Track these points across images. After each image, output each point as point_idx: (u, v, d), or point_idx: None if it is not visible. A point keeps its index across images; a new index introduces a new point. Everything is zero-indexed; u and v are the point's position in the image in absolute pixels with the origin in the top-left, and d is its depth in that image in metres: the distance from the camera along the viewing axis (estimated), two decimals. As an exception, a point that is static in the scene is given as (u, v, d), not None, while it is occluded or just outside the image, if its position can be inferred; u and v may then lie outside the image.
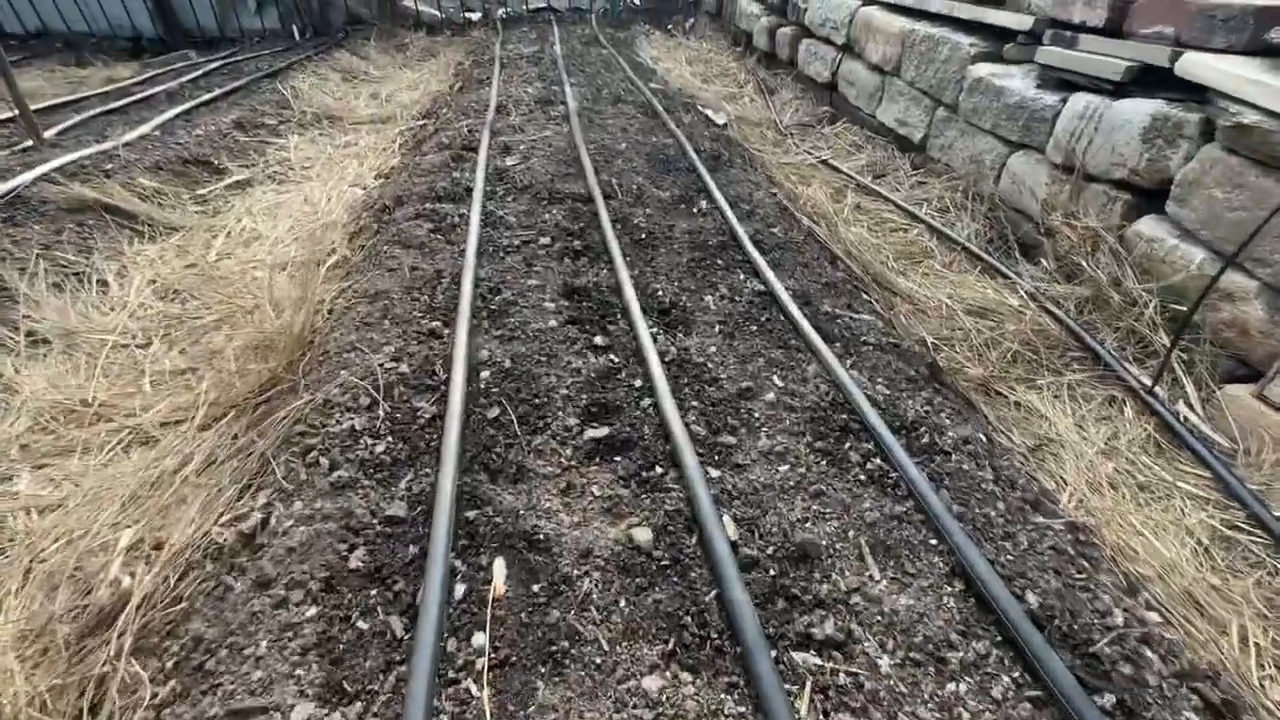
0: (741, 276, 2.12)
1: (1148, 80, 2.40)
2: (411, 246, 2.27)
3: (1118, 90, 2.46)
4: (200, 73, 4.93)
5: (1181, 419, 2.05)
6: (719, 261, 2.20)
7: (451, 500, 1.22)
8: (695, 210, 2.57)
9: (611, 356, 1.66)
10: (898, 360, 1.80)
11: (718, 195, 2.64)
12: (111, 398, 1.83)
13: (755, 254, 2.22)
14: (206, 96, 4.27)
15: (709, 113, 4.32)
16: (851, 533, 1.21)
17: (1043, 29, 2.80)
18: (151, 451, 1.66)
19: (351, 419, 1.45)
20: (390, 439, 1.39)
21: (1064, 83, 2.69)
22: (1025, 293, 2.54)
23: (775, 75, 5.38)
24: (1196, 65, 2.09)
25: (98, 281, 2.34)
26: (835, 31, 4.33)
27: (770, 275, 2.08)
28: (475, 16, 7.34)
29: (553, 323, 1.81)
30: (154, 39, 6.81)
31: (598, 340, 1.73)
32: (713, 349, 1.72)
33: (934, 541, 1.20)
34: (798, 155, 4.02)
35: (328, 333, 1.83)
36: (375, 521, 1.20)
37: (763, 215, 2.58)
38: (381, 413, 1.46)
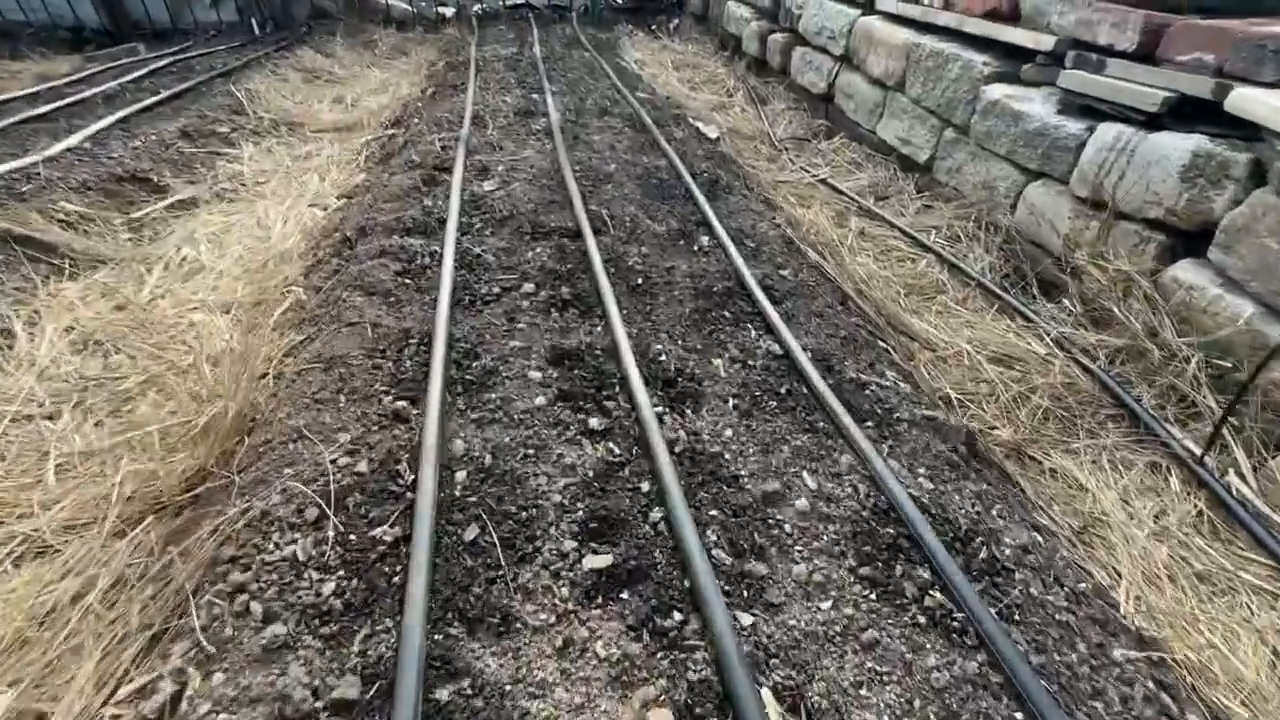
0: (754, 334, 1.88)
1: (1184, 112, 2.22)
2: (376, 293, 1.98)
3: (1151, 121, 2.27)
4: (146, 71, 4.51)
5: (1234, 492, 1.87)
6: (726, 314, 1.96)
7: (418, 672, 0.95)
8: (696, 247, 2.32)
9: (611, 446, 1.41)
10: (935, 439, 1.58)
11: (719, 229, 2.39)
12: (5, 491, 1.52)
13: (766, 304, 1.98)
14: (150, 100, 3.88)
15: (700, 125, 4.07)
16: (918, 702, 0.98)
17: (1064, 50, 2.60)
18: (48, 568, 1.36)
19: (293, 543, 1.17)
20: (341, 574, 1.12)
21: (1089, 110, 2.50)
22: (1052, 339, 2.35)
23: (766, 83, 5.15)
24: (1251, 102, 1.90)
25: (1, 332, 2.00)
26: (832, 41, 4.11)
27: (786, 332, 1.84)
28: (449, 13, 6.96)
29: (540, 399, 1.55)
30: (99, 30, 6.31)
31: (594, 423, 1.47)
32: (729, 432, 1.48)
33: (1019, 717, 0.97)
34: (795, 173, 3.79)
35: (272, 411, 1.54)
36: (319, 707, 0.93)
37: (769, 254, 2.34)
38: (331, 533, 1.19)
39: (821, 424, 1.52)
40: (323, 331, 1.81)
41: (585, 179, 2.76)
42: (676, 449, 1.40)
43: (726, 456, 1.40)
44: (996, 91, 2.81)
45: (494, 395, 1.55)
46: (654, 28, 7.08)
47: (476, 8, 7.05)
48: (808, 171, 3.76)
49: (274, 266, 2.50)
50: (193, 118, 3.73)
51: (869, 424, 1.55)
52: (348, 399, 1.53)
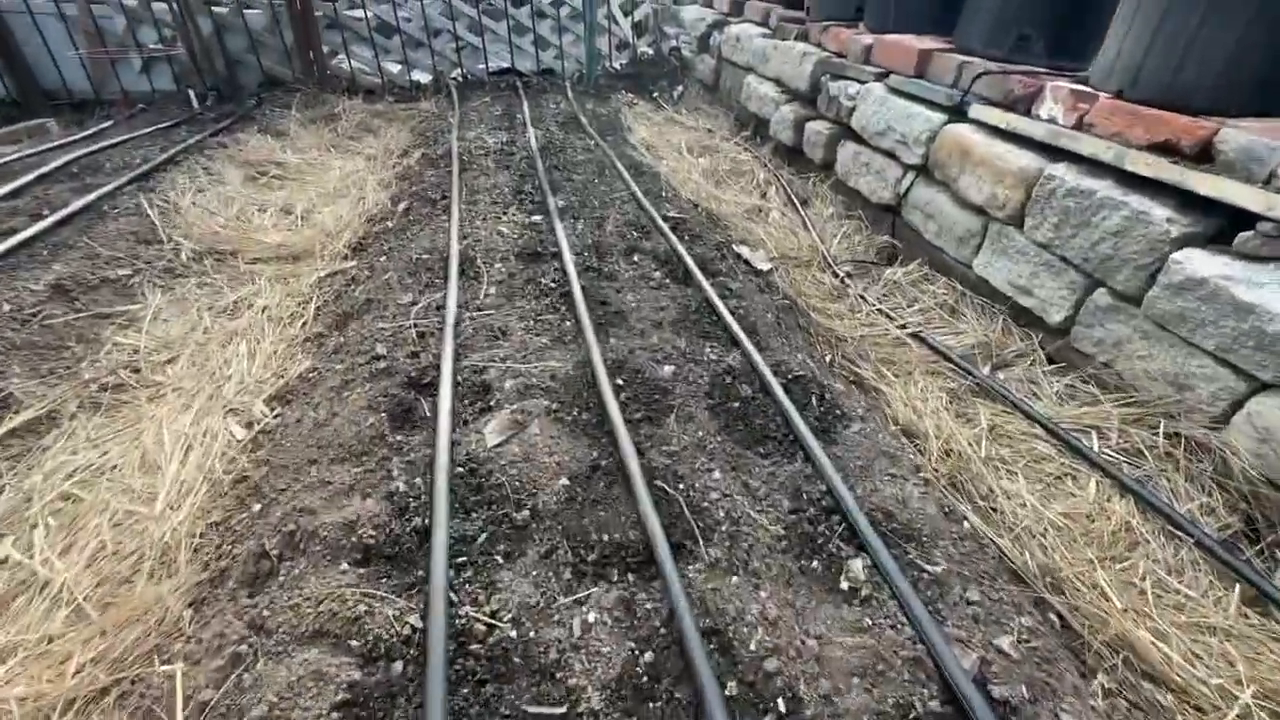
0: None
1: None
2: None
3: None
4: (33, 177, 3.53)
5: None
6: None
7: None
8: (844, 581, 1.41)
9: None
10: None
11: (865, 530, 1.49)
12: None
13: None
14: (22, 236, 2.89)
15: (747, 253, 3.24)
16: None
17: (1315, 221, 1.84)
18: None
19: None
20: None
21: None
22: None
23: (804, 178, 4.39)
24: None
25: None
26: (903, 147, 3.35)
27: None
28: (425, 80, 6.12)
29: None
30: (3, 101, 5.32)
31: None
32: None
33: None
34: (871, 315, 2.98)
35: None
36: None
37: (960, 593, 1.44)
38: None
39: None
40: None
41: (635, 403, 1.86)
42: None
43: None
44: (1199, 265, 2.03)
45: None
46: (655, 95, 6.34)
47: (456, 73, 6.23)
48: (890, 317, 2.94)
49: (145, 587, 1.55)
50: (78, 260, 2.77)
51: None
52: None
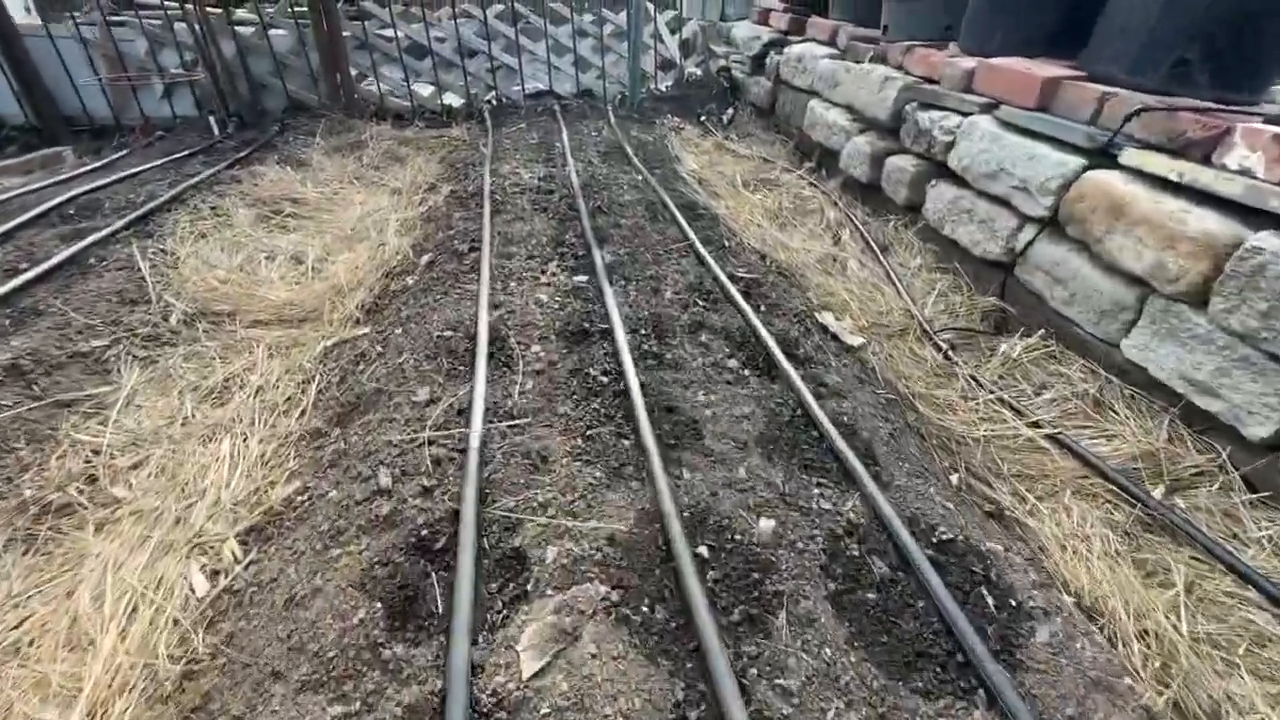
0: None
1: None
2: None
3: None
4: (23, 220, 3.17)
5: None
6: None
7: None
8: None
9: None
10: None
11: None
12: None
13: None
14: None
15: (832, 323, 2.70)
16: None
17: None
18: None
19: None
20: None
21: None
22: None
23: (882, 220, 3.82)
24: None
25: None
26: (1022, 195, 2.77)
27: None
28: (457, 103, 5.73)
29: None
30: (22, 128, 5.07)
31: None
32: None
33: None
34: (987, 406, 2.40)
35: None
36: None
37: None
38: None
39: None
40: None
41: (728, 590, 1.30)
42: None
43: None
44: None
45: None
46: (703, 119, 5.84)
47: (489, 96, 5.82)
48: (1016, 410, 2.36)
49: None
50: (45, 331, 2.36)
51: None
52: None
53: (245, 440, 2.10)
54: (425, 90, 5.68)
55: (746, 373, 2.08)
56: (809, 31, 5.09)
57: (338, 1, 5.26)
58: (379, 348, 2.36)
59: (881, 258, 3.45)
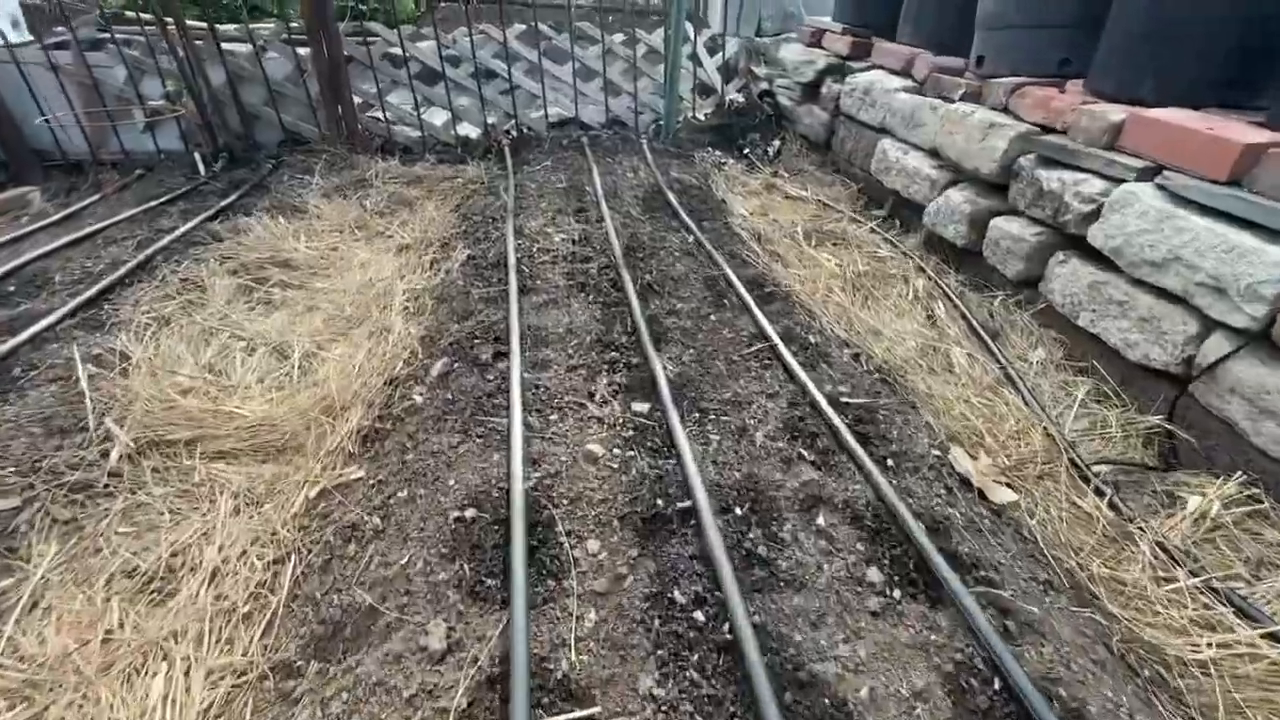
0: None
1: None
2: None
3: None
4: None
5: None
6: None
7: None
8: None
9: None
10: None
11: None
12: None
13: None
14: None
15: (970, 469, 2.06)
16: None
17: None
18: None
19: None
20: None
21: None
22: None
23: (983, 292, 3.19)
24: None
25: None
26: (1212, 295, 2.13)
27: None
28: (474, 134, 5.13)
29: None
30: (-11, 164, 4.53)
31: None
32: None
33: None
34: (1192, 597, 1.75)
35: None
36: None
37: None
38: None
39: None
40: None
41: None
42: None
43: None
44: None
45: None
46: (746, 152, 5.22)
47: (509, 125, 5.22)
48: (1241, 610, 1.72)
49: None
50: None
51: None
52: None
53: (187, 674, 1.50)
54: (438, 119, 5.09)
55: (896, 594, 1.46)
56: (875, 58, 4.46)
57: (340, 21, 4.68)
58: (377, 518, 1.75)
59: (993, 347, 2.81)
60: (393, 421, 2.19)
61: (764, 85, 5.76)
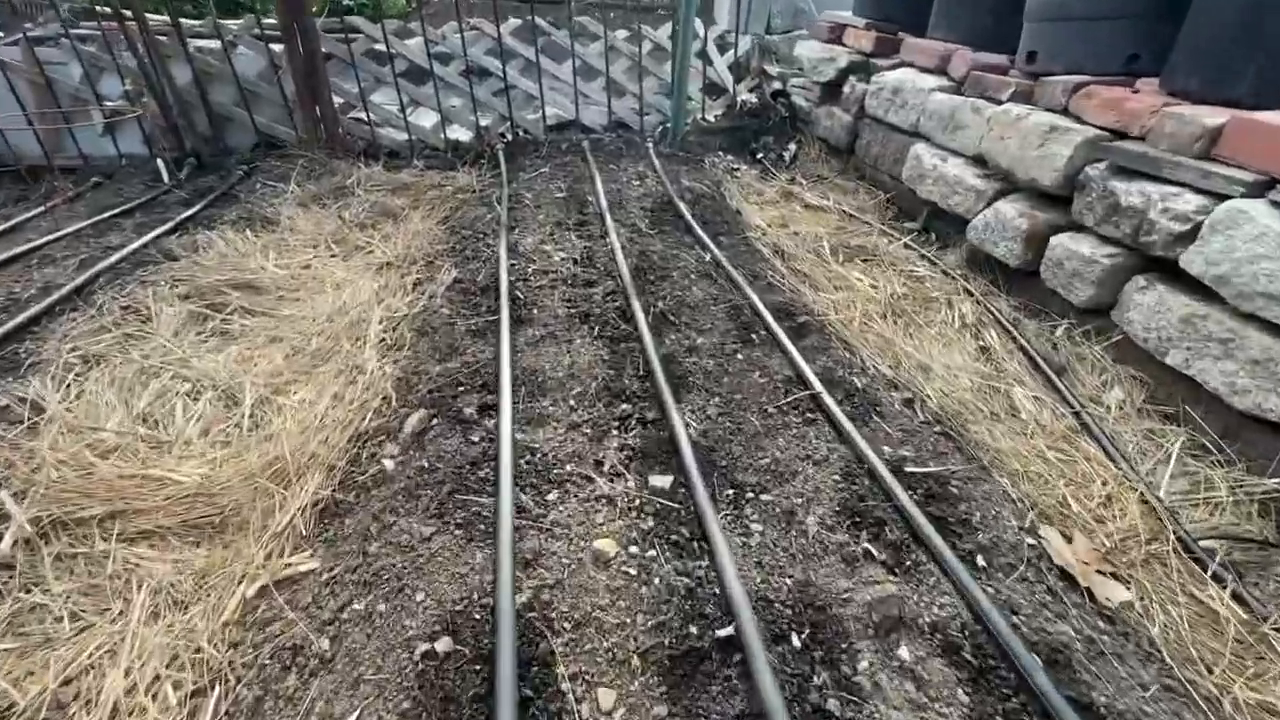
0: None
1: None
2: None
3: None
4: None
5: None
6: None
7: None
8: None
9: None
10: None
11: None
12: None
13: None
14: None
15: (1068, 558, 1.67)
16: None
17: None
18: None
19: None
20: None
21: None
22: None
23: (1041, 319, 2.81)
24: None
25: None
26: (1356, 338, 1.74)
27: None
28: (465, 137, 4.74)
29: None
30: (-68, 171, 4.13)
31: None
32: None
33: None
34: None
35: None
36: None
37: None
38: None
39: None
40: None
41: None
42: None
43: None
44: None
45: None
46: (759, 157, 4.83)
47: (503, 129, 4.83)
48: None
49: None
50: None
51: None
52: None
53: None
54: (426, 122, 4.69)
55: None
56: (904, 54, 4.08)
57: (318, 17, 4.28)
58: (326, 640, 1.36)
59: (1060, 386, 2.43)
60: (356, 492, 1.79)
61: (777, 85, 5.37)
